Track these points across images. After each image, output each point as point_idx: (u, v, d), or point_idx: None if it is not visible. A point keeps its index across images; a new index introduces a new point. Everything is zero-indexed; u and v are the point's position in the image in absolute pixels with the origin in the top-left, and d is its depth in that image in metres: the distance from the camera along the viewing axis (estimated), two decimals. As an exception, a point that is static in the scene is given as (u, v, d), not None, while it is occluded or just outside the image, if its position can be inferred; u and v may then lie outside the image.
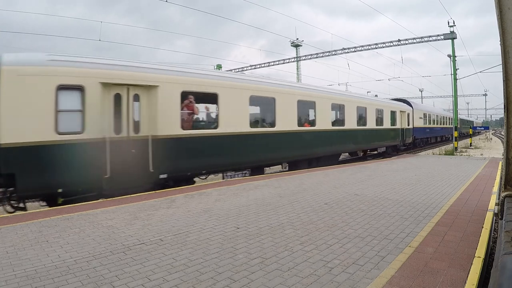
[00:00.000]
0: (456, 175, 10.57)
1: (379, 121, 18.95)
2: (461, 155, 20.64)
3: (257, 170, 11.57)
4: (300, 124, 12.59)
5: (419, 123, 26.23)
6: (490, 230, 4.80)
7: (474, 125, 57.70)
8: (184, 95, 8.89)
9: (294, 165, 13.13)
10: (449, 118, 40.43)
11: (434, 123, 31.74)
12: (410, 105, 25.05)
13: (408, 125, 23.58)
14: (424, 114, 28.03)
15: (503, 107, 3.28)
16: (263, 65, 36.78)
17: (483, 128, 47.48)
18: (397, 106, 22.19)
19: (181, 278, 3.29)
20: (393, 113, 20.73)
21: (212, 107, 10.11)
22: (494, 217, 5.18)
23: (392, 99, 25.36)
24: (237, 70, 38.34)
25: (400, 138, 21.76)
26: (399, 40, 26.80)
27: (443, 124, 36.90)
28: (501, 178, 4.04)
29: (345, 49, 29.98)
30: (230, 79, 10.49)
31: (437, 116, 33.45)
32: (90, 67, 7.29)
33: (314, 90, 14.03)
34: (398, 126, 21.39)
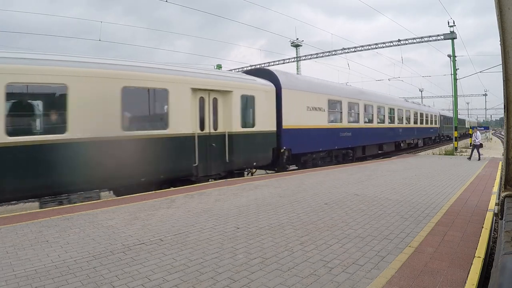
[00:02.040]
0: (456, 175, 10.57)
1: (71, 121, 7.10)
2: (461, 155, 20.64)
3: None
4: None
5: (307, 119, 12.97)
6: (490, 230, 4.80)
7: (468, 125, 48.30)
8: None
9: None
10: (424, 114, 28.43)
11: (377, 121, 18.62)
12: (276, 80, 11.95)
13: (253, 126, 10.92)
14: (329, 100, 14.30)
15: (503, 107, 3.28)
16: (263, 65, 36.80)
17: (483, 129, 45.60)
18: (169, 77, 8.67)
19: (181, 278, 3.29)
20: (154, 96, 8.61)
21: None
22: (494, 217, 5.18)
23: (245, 71, 13.88)
24: (237, 70, 38.35)
25: (198, 161, 9.16)
26: (399, 40, 26.80)
27: (409, 122, 24.36)
28: (501, 178, 4.04)
29: (345, 49, 29.99)
30: None
31: (385, 108, 19.86)
32: None
33: None
34: (181, 130, 8.83)
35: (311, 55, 34.46)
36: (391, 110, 21.02)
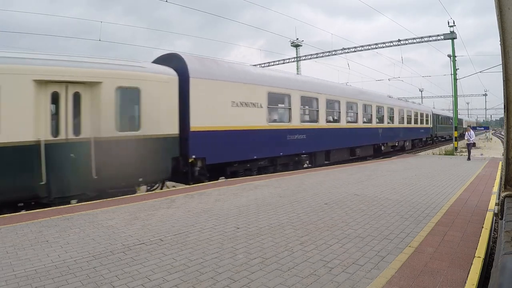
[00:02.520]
0: (456, 175, 10.57)
1: None
2: (461, 155, 20.64)
3: None
4: None
5: (232, 118, 10.07)
6: (490, 230, 4.80)
7: (466, 125, 45.94)
8: None
9: None
10: (413, 113, 25.03)
11: (346, 120, 15.59)
12: (183, 67, 9.09)
13: (138, 128, 8.21)
14: (269, 93, 11.30)
15: (503, 107, 3.28)
16: (263, 65, 36.80)
17: (483, 128, 45.36)
18: None
19: (181, 278, 3.29)
20: None
21: None
22: (494, 217, 5.18)
23: (153, 61, 10.07)
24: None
25: (47, 178, 6.84)
26: (399, 40, 26.79)
27: (393, 121, 21.08)
28: (501, 178, 4.04)
29: (345, 49, 29.98)
30: None
31: (358, 104, 16.66)
32: None
33: None
34: (16, 136, 6.57)
35: (311, 55, 34.45)
36: (367, 107, 17.62)
